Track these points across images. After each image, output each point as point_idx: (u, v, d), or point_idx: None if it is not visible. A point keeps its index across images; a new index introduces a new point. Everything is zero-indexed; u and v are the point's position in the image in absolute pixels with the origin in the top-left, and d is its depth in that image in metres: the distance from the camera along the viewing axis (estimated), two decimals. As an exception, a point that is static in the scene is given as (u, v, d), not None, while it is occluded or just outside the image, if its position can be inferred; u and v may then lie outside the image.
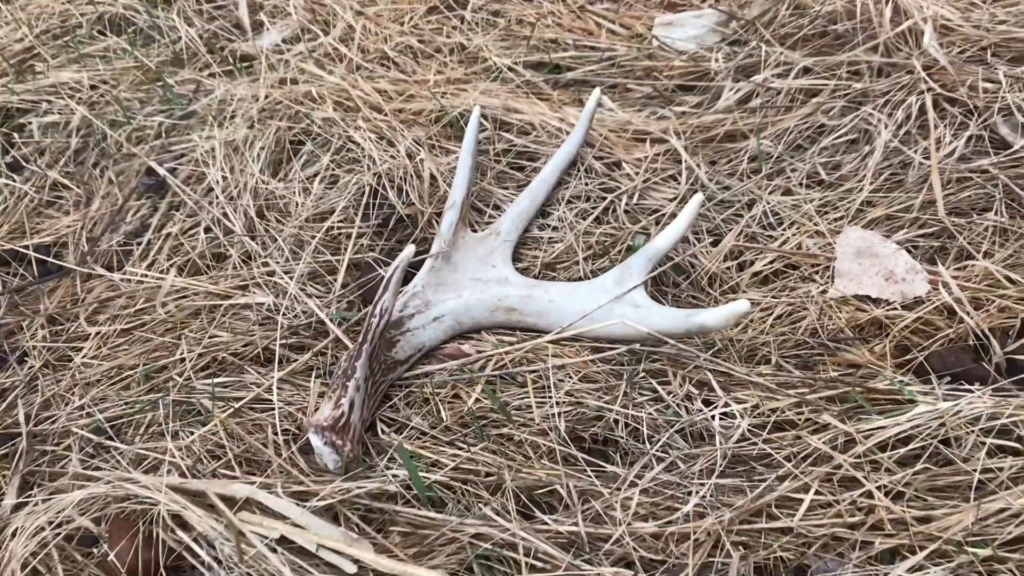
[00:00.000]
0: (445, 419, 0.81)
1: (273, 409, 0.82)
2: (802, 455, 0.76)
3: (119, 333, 0.92)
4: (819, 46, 1.04)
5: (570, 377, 0.83)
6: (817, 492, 0.74)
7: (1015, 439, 0.75)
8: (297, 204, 1.00)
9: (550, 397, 0.81)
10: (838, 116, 1.01)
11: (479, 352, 0.87)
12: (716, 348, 0.85)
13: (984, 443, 0.75)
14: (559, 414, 0.80)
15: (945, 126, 0.98)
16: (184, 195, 1.04)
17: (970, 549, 0.69)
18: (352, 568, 0.73)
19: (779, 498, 0.74)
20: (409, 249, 0.80)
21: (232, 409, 0.82)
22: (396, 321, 0.86)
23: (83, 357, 0.90)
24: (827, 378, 0.81)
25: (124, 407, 0.85)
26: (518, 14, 1.21)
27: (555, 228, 0.98)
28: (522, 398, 0.82)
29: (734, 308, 0.79)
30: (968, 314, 0.84)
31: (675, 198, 0.97)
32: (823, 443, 0.76)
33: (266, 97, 1.10)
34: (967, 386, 0.79)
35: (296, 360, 0.86)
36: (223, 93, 1.13)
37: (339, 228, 0.97)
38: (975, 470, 0.73)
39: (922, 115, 0.99)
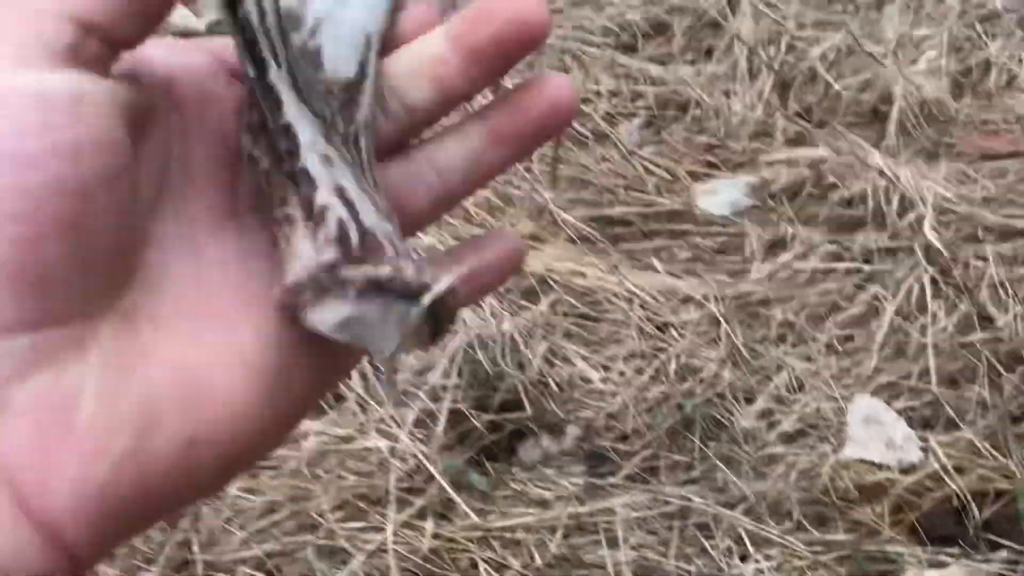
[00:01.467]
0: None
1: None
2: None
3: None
4: (836, 226, 1.24)
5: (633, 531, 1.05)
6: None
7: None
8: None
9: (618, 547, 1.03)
10: (852, 292, 1.21)
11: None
12: (750, 504, 1.07)
13: (958, 606, 0.97)
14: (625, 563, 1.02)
15: (939, 306, 1.18)
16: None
17: None
18: None
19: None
20: None
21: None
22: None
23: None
24: (837, 540, 1.02)
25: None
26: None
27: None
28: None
29: None
30: (953, 481, 1.05)
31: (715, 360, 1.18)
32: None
33: None
34: (949, 549, 1.01)
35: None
36: None
37: None
38: (950, 627, 0.95)
39: (922, 293, 1.20)
